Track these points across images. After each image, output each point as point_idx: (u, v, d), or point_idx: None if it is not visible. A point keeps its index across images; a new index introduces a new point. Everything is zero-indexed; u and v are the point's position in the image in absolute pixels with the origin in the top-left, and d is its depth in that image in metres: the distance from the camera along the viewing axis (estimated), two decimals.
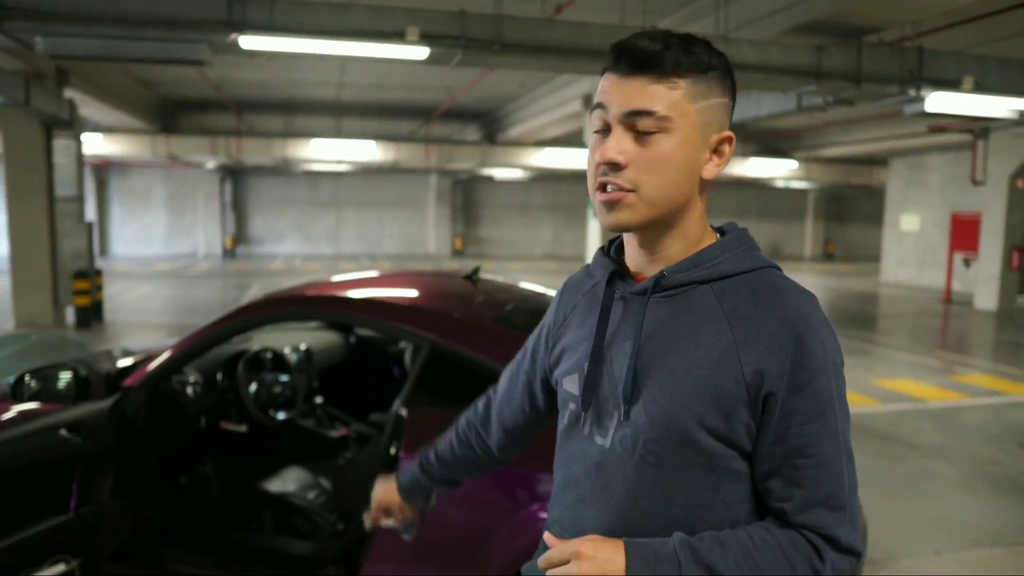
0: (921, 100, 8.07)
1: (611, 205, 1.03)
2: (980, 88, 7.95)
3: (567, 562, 1.00)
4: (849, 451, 1.04)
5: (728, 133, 1.07)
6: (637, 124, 1.00)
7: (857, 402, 6.69)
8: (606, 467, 1.08)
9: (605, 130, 1.04)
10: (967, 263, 15.53)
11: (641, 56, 1.01)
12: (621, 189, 1.01)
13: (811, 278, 20.26)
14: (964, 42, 8.89)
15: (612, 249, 1.20)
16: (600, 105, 1.04)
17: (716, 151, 1.07)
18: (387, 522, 1.57)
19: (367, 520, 1.58)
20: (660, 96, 1.00)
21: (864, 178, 22.78)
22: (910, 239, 18.76)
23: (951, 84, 7.91)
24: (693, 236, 1.09)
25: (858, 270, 23.01)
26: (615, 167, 1.01)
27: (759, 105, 10.57)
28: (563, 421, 1.19)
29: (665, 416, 1.02)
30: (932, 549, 3.74)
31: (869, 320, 12.70)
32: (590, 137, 1.08)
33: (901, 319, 12.78)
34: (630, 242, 1.12)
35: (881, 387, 7.31)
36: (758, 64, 7.34)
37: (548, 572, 1.02)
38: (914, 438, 5.66)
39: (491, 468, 1.49)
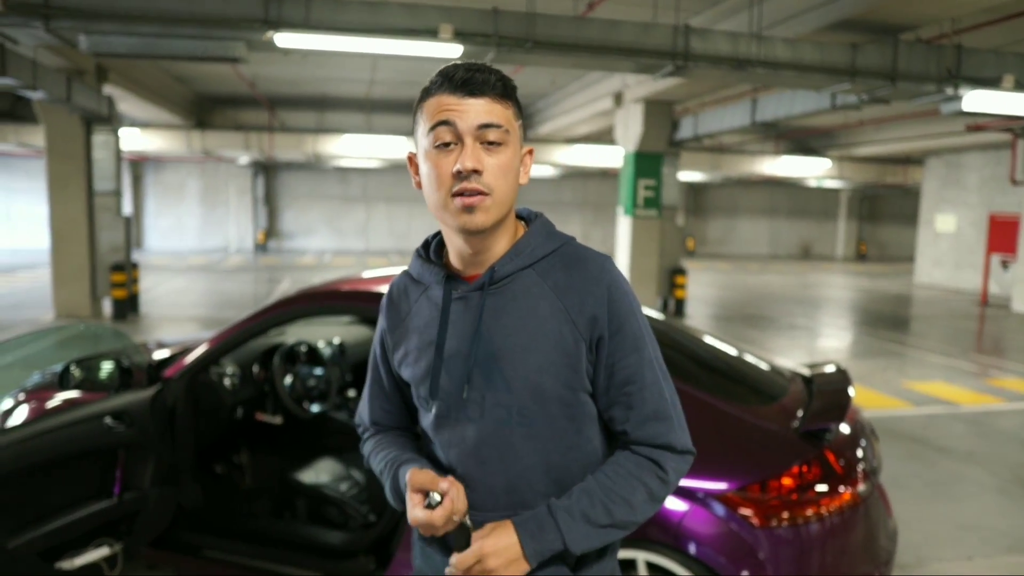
0: (959, 99, 7.93)
1: (471, 208, 1.17)
2: (1021, 86, 7.79)
3: (474, 563, 1.18)
4: (664, 372, 1.29)
5: (530, 147, 1.29)
6: (488, 136, 1.17)
7: (888, 404, 6.62)
8: (486, 443, 1.25)
9: (450, 143, 1.18)
10: (1005, 265, 15.21)
11: (481, 81, 1.18)
12: (480, 193, 1.17)
13: (843, 279, 19.99)
14: (1004, 39, 8.71)
15: (430, 254, 1.36)
16: (445, 122, 1.17)
17: (523, 162, 1.26)
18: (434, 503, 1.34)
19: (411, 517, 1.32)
20: (500, 113, 1.19)
21: (899, 177, 22.38)
22: (945, 240, 18.43)
23: (990, 82, 7.76)
24: (511, 232, 1.28)
25: (892, 271, 22.65)
26: (476, 173, 1.16)
27: (792, 103, 10.45)
28: (426, 418, 1.33)
29: (530, 384, 1.22)
30: (964, 554, 3.70)
31: (902, 322, 12.51)
32: (428, 152, 1.20)
33: (935, 321, 12.57)
34: (462, 244, 1.25)
35: (913, 390, 7.22)
36: (791, 62, 7.27)
37: (462, 573, 1.19)
38: (946, 442, 5.58)
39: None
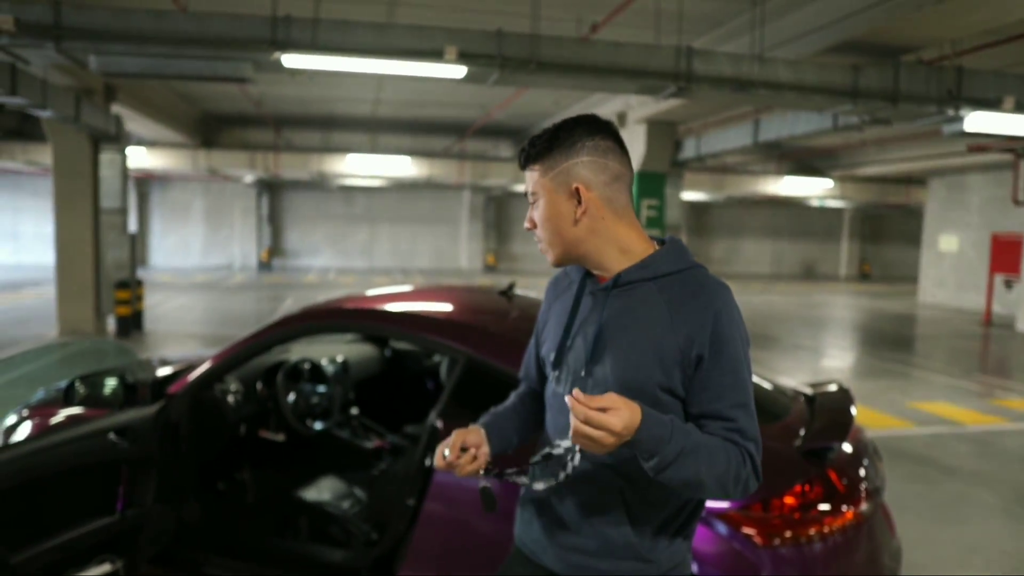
0: (960, 120, 7.97)
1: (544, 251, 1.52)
2: (1021, 108, 7.83)
3: (602, 408, 1.26)
4: (752, 397, 1.43)
5: (575, 185, 1.45)
6: (529, 198, 1.52)
7: (892, 424, 6.59)
8: None
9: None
10: (1008, 285, 15.19)
11: (522, 156, 1.52)
12: (540, 240, 1.51)
13: (846, 299, 19.97)
14: (1005, 61, 8.76)
15: None
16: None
17: (571, 200, 1.45)
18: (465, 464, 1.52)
19: (438, 459, 1.51)
20: (532, 179, 1.50)
21: (901, 197, 22.43)
22: (948, 260, 18.43)
23: (991, 103, 7.80)
24: (630, 251, 1.48)
25: (895, 291, 22.62)
26: (532, 228, 1.52)
27: (794, 124, 10.52)
28: (548, 387, 1.60)
29: (625, 377, 1.42)
30: None
31: (906, 342, 12.49)
32: None
33: (939, 341, 12.54)
34: None
35: (917, 409, 7.19)
36: (793, 83, 7.33)
37: (584, 427, 1.28)
38: (951, 462, 5.56)
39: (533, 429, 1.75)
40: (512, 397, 1.78)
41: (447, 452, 1.49)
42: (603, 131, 1.46)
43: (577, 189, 1.44)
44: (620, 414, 1.26)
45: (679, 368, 1.39)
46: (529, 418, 1.73)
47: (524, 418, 1.73)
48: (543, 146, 1.47)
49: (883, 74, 7.52)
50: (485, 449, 1.55)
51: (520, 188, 22.78)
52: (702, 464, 1.33)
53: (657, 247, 1.51)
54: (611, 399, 1.28)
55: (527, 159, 1.50)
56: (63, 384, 2.87)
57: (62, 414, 3.02)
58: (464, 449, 1.51)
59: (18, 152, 16.87)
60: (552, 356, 1.54)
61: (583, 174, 1.44)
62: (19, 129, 15.55)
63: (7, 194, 23.95)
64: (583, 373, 1.46)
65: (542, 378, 1.72)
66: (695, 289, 1.43)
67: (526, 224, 1.52)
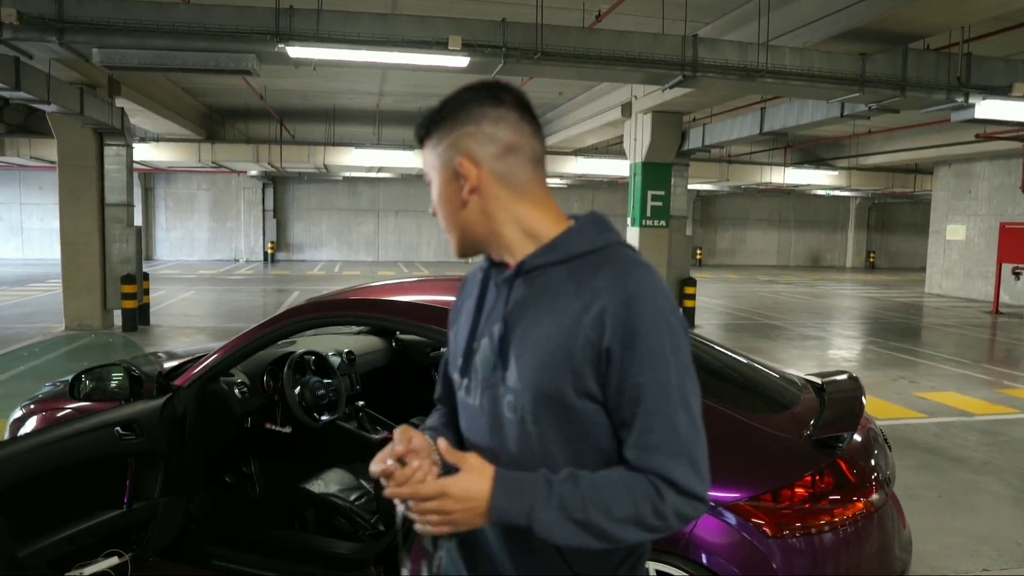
0: (969, 107, 7.90)
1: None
2: None
3: (435, 497, 1.13)
4: (687, 403, 1.16)
5: (459, 159, 1.24)
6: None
7: (901, 414, 6.56)
8: (496, 431, 1.24)
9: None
10: (1017, 274, 15.10)
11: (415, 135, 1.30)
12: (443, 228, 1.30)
13: (853, 289, 19.90)
14: (1014, 48, 8.69)
15: None
16: None
17: (456, 178, 1.24)
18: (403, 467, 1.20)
19: (375, 465, 1.20)
20: (425, 158, 1.29)
21: (908, 187, 22.31)
22: (956, 249, 18.33)
23: (1001, 91, 7.73)
24: (536, 233, 1.26)
25: (902, 280, 22.53)
26: (435, 215, 1.30)
27: (800, 113, 10.44)
28: (458, 392, 1.36)
29: (534, 381, 1.18)
30: (979, 566, 3.65)
31: (914, 332, 12.43)
32: None
33: (946, 331, 12.48)
34: None
35: (926, 399, 7.16)
36: (800, 71, 7.27)
37: (412, 505, 1.15)
38: (960, 451, 5.53)
39: None
40: (437, 419, 1.46)
41: (390, 460, 1.18)
42: (496, 98, 1.23)
43: (460, 164, 1.23)
44: (458, 491, 1.11)
45: (591, 366, 1.15)
46: None
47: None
48: (431, 118, 1.26)
49: (891, 61, 7.46)
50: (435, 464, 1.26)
51: None
52: (597, 515, 1.12)
53: (569, 225, 1.29)
54: (442, 482, 1.13)
55: (417, 136, 1.29)
56: (69, 378, 2.87)
57: (68, 408, 3.01)
58: (400, 462, 1.18)
59: (23, 147, 16.90)
60: (459, 361, 1.31)
61: (468, 146, 1.22)
62: (24, 124, 15.58)
63: (13, 189, 24.00)
64: (494, 380, 1.23)
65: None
66: (609, 269, 1.19)
67: (430, 210, 1.32)
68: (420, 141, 1.28)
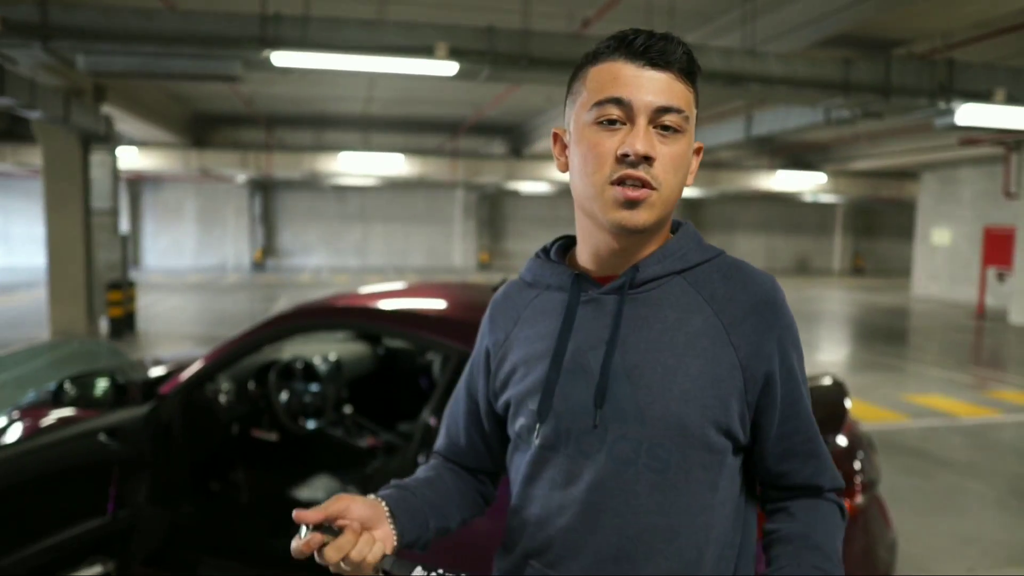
0: (951, 113, 7.99)
1: (634, 203, 0.95)
2: (1012, 100, 7.85)
3: None
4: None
5: (700, 143, 1.06)
6: (664, 120, 0.96)
7: (887, 417, 6.60)
8: (602, 486, 0.98)
9: (617, 122, 0.96)
10: (1001, 277, 15.25)
11: (666, 50, 0.97)
12: (647, 186, 0.95)
13: (840, 293, 20.02)
14: (996, 54, 8.79)
15: (551, 254, 1.13)
16: (616, 99, 0.96)
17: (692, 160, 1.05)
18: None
19: (297, 542, 0.96)
20: (682, 95, 0.97)
21: (894, 191, 22.49)
22: (941, 253, 18.48)
23: (982, 96, 7.82)
24: (663, 239, 1.07)
25: (888, 285, 22.69)
26: (647, 161, 0.95)
27: (786, 118, 10.52)
28: (523, 455, 1.07)
29: (669, 415, 0.96)
30: (964, 567, 3.68)
31: (899, 335, 12.52)
32: (587, 128, 0.99)
33: (932, 334, 12.58)
34: (609, 241, 1.02)
35: (912, 402, 7.21)
36: (785, 77, 7.33)
37: None
38: (945, 454, 5.57)
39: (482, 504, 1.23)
40: (422, 471, 1.17)
41: (304, 531, 0.94)
42: None
43: (700, 148, 1.07)
44: None
45: (736, 397, 0.97)
46: (466, 493, 1.18)
47: (458, 490, 1.17)
48: (696, 63, 1.01)
49: (874, 67, 7.53)
50: (386, 531, 1.01)
51: (512, 186, 22.80)
52: (837, 562, 1.02)
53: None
54: None
55: (691, 64, 0.99)
56: (53, 385, 2.85)
57: (52, 415, 2.99)
58: (332, 529, 0.95)
59: (8, 154, 16.76)
60: (535, 403, 1.02)
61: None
62: (9, 130, 15.42)
63: None
64: (593, 422, 0.98)
65: (489, 448, 1.18)
66: (742, 280, 1.01)
67: (640, 148, 0.94)
68: (680, 63, 0.98)
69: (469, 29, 6.64)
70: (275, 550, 2.90)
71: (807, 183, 21.11)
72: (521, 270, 1.16)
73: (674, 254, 1.03)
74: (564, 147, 1.06)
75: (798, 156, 21.21)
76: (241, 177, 22.40)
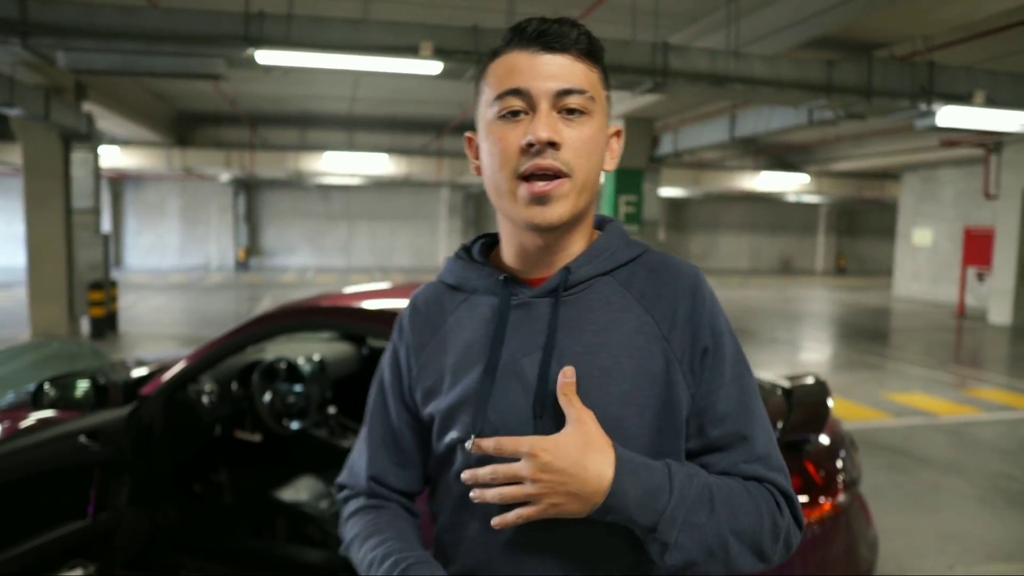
0: (932, 114, 8.07)
1: (543, 199, 0.92)
2: (992, 102, 7.94)
3: (534, 471, 0.87)
4: (764, 409, 1.02)
5: (618, 127, 1.03)
6: (568, 103, 0.92)
7: (868, 416, 6.66)
8: None
9: (520, 113, 0.93)
10: (980, 277, 15.43)
11: (560, 33, 0.94)
12: (558, 175, 0.91)
13: (823, 292, 20.18)
14: (976, 57, 8.89)
15: (474, 255, 1.08)
16: (515, 90, 0.93)
17: (609, 145, 1.02)
18: None
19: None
20: (585, 75, 0.95)
21: (876, 192, 22.70)
22: (923, 253, 18.67)
23: (962, 98, 7.91)
24: (589, 232, 1.03)
25: (870, 284, 22.89)
26: (552, 147, 0.91)
27: (769, 119, 10.59)
28: (449, 472, 1.01)
29: (608, 420, 0.91)
30: (945, 564, 3.72)
31: (881, 334, 12.63)
32: (491, 124, 0.95)
33: (914, 334, 12.70)
34: (532, 239, 0.98)
35: (893, 401, 7.28)
36: (768, 79, 7.37)
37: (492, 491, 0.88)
38: (926, 452, 5.63)
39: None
40: (389, 528, 1.05)
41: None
42: None
43: (618, 132, 1.04)
44: (560, 451, 0.86)
45: (679, 391, 0.95)
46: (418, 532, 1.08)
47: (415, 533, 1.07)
48: (597, 43, 0.98)
49: (857, 69, 7.60)
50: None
51: None
52: (722, 521, 0.89)
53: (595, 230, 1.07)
54: (535, 440, 0.87)
55: (590, 45, 0.97)
56: (33, 387, 2.81)
57: (32, 417, 2.96)
58: None
59: None
60: (468, 415, 0.96)
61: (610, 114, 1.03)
62: None
63: None
64: (531, 433, 0.92)
65: (419, 473, 1.10)
66: (666, 272, 0.99)
67: (543, 134, 0.90)
68: (581, 46, 0.95)
69: (454, 28, 6.63)
70: (259, 551, 2.89)
71: (790, 183, 21.26)
72: (441, 272, 1.11)
73: (603, 253, 1.00)
74: (476, 151, 1.03)
75: (781, 157, 21.37)
76: (225, 176, 22.24)
